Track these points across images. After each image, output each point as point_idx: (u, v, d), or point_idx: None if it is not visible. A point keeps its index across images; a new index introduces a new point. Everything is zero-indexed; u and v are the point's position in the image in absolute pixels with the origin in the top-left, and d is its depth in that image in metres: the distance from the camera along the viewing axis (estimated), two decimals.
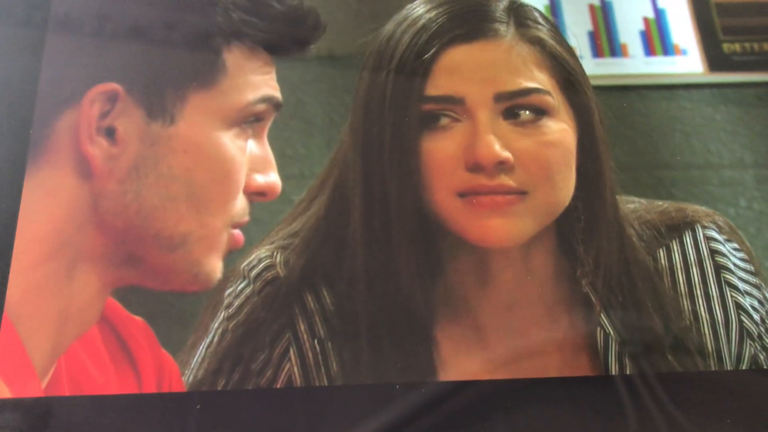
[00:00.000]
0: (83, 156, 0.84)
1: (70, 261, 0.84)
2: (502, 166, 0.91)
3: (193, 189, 0.84)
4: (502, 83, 0.92)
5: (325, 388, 0.89)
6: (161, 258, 0.85)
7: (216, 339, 0.92)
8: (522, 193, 0.91)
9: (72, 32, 0.90)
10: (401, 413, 0.85)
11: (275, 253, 0.94)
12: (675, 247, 0.97)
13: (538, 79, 0.93)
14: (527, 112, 0.93)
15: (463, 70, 0.93)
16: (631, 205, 0.99)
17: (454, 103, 0.92)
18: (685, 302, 0.95)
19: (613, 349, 0.92)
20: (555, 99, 0.93)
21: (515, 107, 0.93)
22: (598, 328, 0.92)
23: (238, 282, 0.94)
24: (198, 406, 0.84)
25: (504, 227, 0.91)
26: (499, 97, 0.92)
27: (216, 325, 0.92)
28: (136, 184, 0.84)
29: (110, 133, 0.84)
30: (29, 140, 0.89)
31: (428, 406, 0.86)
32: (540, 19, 0.97)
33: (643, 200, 1.00)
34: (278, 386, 0.89)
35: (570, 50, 0.97)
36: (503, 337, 0.92)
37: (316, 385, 0.89)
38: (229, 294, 0.93)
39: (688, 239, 0.98)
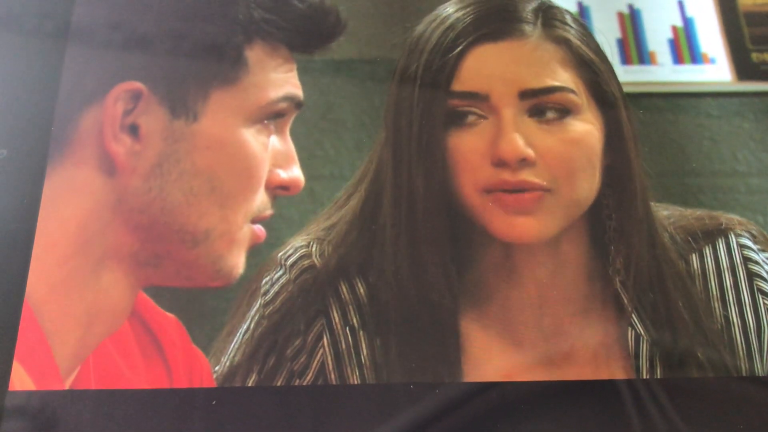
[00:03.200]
0: (107, 153, 0.81)
1: (96, 258, 0.81)
2: (524, 162, 0.89)
3: (215, 184, 0.81)
4: (527, 81, 0.90)
5: (339, 387, 0.86)
6: (184, 254, 0.82)
7: (252, 325, 0.90)
8: (545, 190, 0.89)
9: (94, 32, 0.87)
10: (415, 414, 0.82)
11: (311, 244, 0.92)
12: (708, 252, 0.94)
13: (563, 78, 0.91)
14: (552, 111, 0.90)
15: (489, 68, 0.90)
16: (665, 211, 0.96)
17: (479, 100, 0.90)
18: (716, 306, 0.91)
19: (645, 349, 0.88)
20: (580, 98, 0.91)
21: (540, 105, 0.90)
22: (630, 328, 0.89)
23: (275, 270, 0.92)
24: (213, 402, 0.81)
25: (528, 223, 0.89)
26: (524, 95, 0.90)
27: (253, 312, 0.90)
28: (159, 180, 0.81)
29: (134, 131, 0.81)
30: (49, 137, 0.87)
31: (448, 408, 0.83)
32: (569, 21, 0.94)
33: (677, 207, 0.97)
34: (311, 372, 0.87)
35: (599, 51, 0.94)
36: (532, 333, 0.90)
37: (330, 384, 0.87)
38: (266, 282, 0.91)
39: (721, 246, 0.94)
